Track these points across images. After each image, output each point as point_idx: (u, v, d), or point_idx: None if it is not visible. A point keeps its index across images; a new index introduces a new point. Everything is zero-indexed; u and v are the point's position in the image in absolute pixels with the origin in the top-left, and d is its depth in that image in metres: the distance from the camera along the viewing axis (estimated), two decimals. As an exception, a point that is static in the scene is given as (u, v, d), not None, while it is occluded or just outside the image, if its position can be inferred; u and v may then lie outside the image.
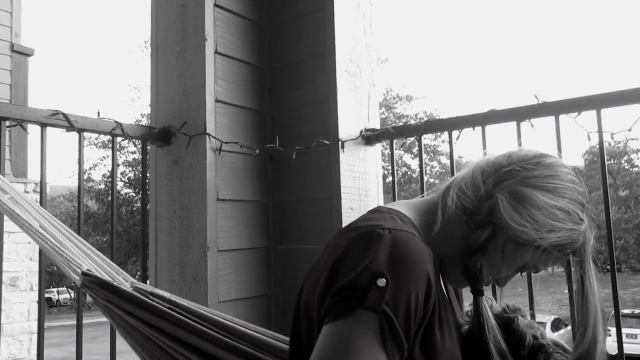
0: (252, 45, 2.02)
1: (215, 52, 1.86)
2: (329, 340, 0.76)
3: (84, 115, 1.62)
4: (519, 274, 1.02)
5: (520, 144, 1.66)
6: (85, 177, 20.24)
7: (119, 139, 1.73)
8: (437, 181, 23.79)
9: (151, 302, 1.17)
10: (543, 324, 11.95)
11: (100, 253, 1.32)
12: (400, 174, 21.40)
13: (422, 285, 0.79)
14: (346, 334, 0.75)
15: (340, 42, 1.93)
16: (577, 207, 0.94)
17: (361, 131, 1.94)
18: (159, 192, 1.89)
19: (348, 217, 1.85)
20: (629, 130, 1.48)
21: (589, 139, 1.55)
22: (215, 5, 1.88)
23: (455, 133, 1.77)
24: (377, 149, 2.04)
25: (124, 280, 1.26)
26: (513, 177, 0.94)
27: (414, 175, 22.13)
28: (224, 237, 1.82)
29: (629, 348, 11.54)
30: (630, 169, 28.42)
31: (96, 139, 19.48)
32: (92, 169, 20.65)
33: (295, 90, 1.99)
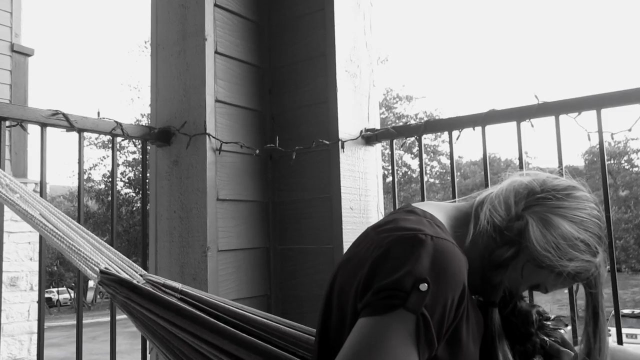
0: (252, 45, 2.02)
1: (215, 52, 1.86)
2: (365, 332, 0.81)
3: (84, 115, 1.62)
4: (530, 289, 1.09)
5: (520, 144, 1.66)
6: (85, 177, 20.25)
7: (119, 139, 1.73)
8: (437, 181, 23.82)
9: (166, 297, 1.22)
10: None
11: (111, 247, 1.33)
12: (400, 174, 21.40)
13: (457, 292, 0.85)
14: (383, 329, 0.81)
15: (340, 42, 1.93)
16: (596, 240, 1.01)
17: (361, 131, 1.94)
18: (159, 192, 1.89)
19: (348, 217, 1.85)
20: (629, 130, 1.48)
21: (589, 139, 1.55)
22: (215, 5, 1.88)
23: (455, 133, 1.77)
24: (377, 149, 2.05)
25: (136, 273, 1.29)
26: (544, 204, 1.01)
27: (414, 175, 22.13)
28: (224, 237, 1.82)
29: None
30: (630, 169, 28.35)
31: (96, 139, 19.51)
32: (92, 169, 20.70)
33: (295, 90, 1.99)
